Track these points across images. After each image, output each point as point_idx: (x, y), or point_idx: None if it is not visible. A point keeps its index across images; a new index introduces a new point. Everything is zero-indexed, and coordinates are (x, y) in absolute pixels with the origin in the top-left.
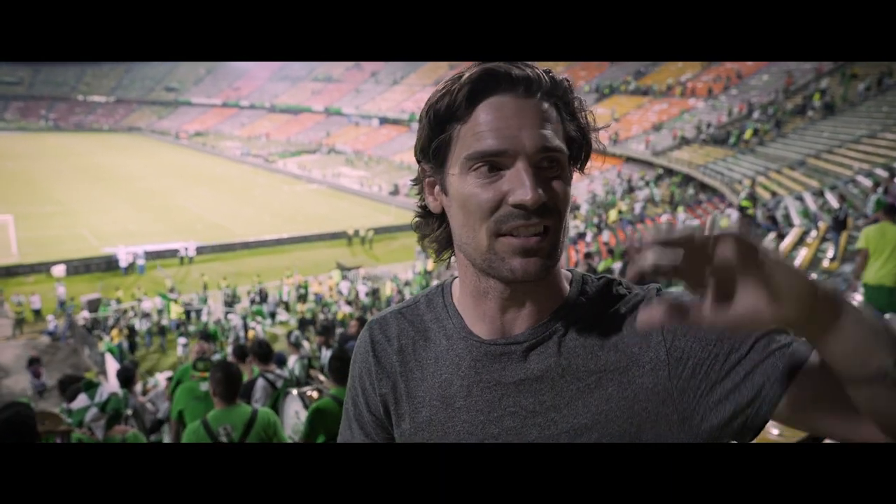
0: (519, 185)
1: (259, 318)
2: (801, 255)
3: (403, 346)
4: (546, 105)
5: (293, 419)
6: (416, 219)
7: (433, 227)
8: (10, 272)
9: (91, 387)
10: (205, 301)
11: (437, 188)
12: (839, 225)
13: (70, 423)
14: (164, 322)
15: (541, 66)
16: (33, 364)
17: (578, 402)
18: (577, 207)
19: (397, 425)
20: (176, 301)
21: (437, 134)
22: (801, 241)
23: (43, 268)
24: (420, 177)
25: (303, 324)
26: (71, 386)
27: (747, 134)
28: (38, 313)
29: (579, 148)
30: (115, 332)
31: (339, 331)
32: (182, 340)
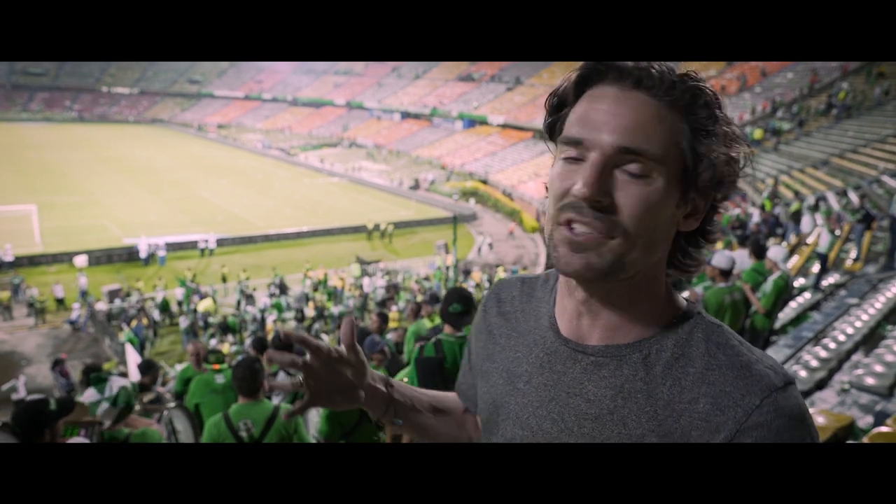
0: (581, 177)
1: (276, 312)
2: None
3: (506, 311)
4: (655, 104)
5: (316, 418)
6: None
7: None
8: (34, 261)
9: (99, 381)
10: (251, 299)
11: None
12: (864, 225)
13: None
14: (202, 322)
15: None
16: (58, 365)
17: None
18: None
19: (480, 377)
20: (210, 296)
21: (553, 113)
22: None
23: (65, 257)
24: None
25: (301, 319)
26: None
27: (756, 134)
28: (61, 302)
29: (699, 166)
30: (134, 322)
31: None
32: (231, 338)
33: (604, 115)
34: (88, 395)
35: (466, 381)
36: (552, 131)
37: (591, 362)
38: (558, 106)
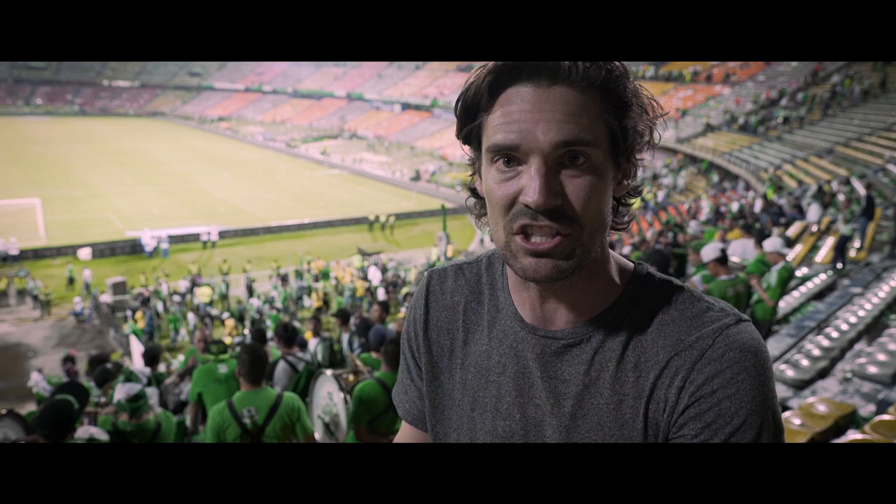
0: (529, 185)
1: (280, 303)
2: (828, 245)
3: (455, 303)
4: (576, 94)
5: (325, 399)
6: (470, 198)
7: (483, 210)
8: (38, 254)
9: (132, 375)
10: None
11: (478, 173)
12: (867, 213)
13: (94, 406)
14: (214, 311)
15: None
16: (67, 362)
17: (594, 419)
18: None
19: (434, 378)
20: (205, 284)
21: (468, 122)
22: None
23: (69, 250)
24: (472, 158)
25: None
26: (99, 367)
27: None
28: (87, 287)
29: (627, 138)
30: (139, 314)
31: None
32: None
33: (532, 115)
34: (129, 389)
35: (411, 396)
36: (469, 138)
37: (562, 345)
38: (471, 112)
